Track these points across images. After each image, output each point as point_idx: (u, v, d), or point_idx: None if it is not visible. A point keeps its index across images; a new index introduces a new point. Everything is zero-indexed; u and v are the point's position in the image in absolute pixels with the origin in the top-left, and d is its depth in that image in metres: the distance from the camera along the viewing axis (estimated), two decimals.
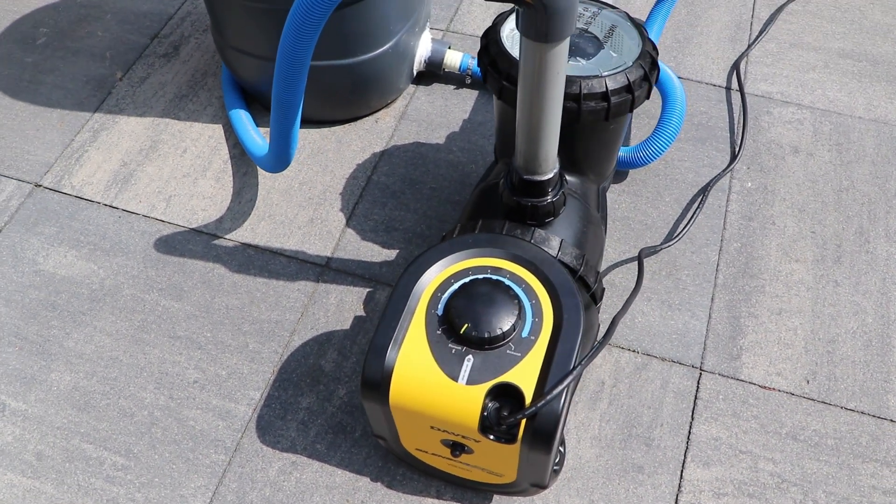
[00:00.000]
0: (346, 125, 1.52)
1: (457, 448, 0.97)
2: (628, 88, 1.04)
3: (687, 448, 1.16)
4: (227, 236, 1.38)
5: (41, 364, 1.26)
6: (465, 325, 0.91)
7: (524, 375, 0.90)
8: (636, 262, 1.29)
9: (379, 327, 0.94)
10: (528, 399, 0.89)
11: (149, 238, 1.38)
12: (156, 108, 1.56)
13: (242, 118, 1.45)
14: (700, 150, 1.47)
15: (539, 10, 0.80)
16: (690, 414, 1.19)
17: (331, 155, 1.48)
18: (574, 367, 0.89)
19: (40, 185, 1.46)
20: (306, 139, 1.50)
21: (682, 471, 1.14)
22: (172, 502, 1.13)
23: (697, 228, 1.37)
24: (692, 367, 1.23)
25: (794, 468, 1.14)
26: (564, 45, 0.85)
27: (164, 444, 1.18)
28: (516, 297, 0.93)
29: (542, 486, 1.03)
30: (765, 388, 1.21)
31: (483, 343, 0.91)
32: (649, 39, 1.10)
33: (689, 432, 1.18)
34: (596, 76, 1.03)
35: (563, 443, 1.14)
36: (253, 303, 1.31)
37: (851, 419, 1.19)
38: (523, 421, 0.89)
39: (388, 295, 1.29)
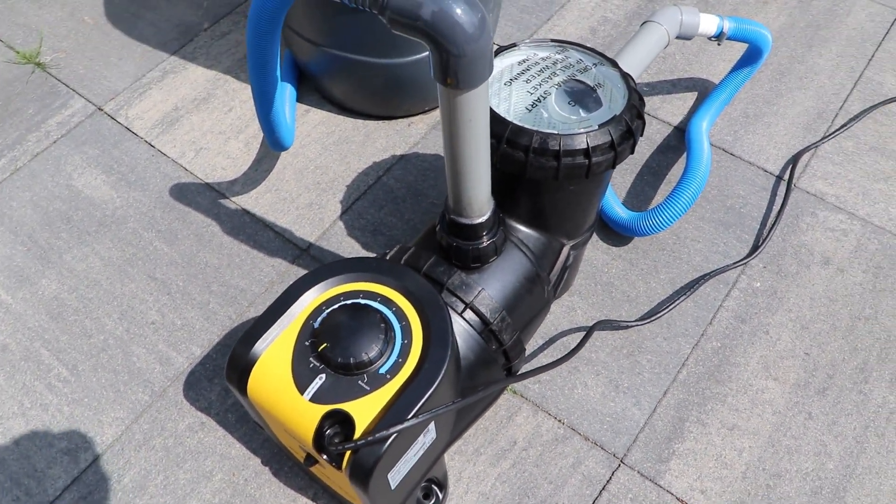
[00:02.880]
0: (380, 122, 1.54)
1: (309, 458, 0.98)
2: (586, 153, 0.99)
3: None
4: (233, 198, 1.45)
5: (38, 268, 1.38)
6: (325, 345, 0.91)
7: (365, 410, 0.89)
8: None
9: (258, 319, 0.97)
10: (358, 433, 0.88)
11: (168, 181, 1.47)
12: (224, 63, 1.65)
13: (284, 94, 1.50)
14: (721, 234, 1.37)
15: (446, 55, 0.78)
16: (591, 503, 1.13)
17: (354, 147, 1.50)
18: (408, 419, 0.87)
19: (102, 110, 1.59)
20: (338, 126, 1.53)
21: None
22: (90, 424, 1.22)
23: (681, 316, 1.29)
24: (613, 455, 1.17)
25: None
26: (479, 93, 0.83)
27: (105, 370, 1.27)
28: (388, 331, 0.92)
29: None
30: (681, 501, 1.13)
31: (337, 367, 0.91)
32: (634, 106, 1.04)
33: None
34: (553, 133, 0.99)
35: (444, 487, 1.12)
36: (230, 266, 1.36)
37: None
38: (349, 452, 0.88)
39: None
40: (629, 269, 1.34)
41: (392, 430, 0.86)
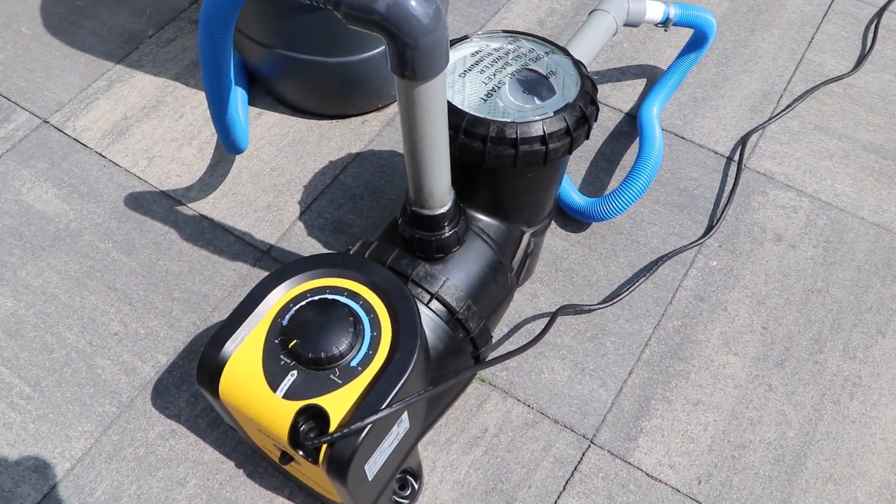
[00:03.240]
0: (334, 121, 1.54)
1: (285, 456, 0.98)
2: (542, 140, 1.01)
3: None
4: (189, 205, 1.43)
5: None
6: (295, 341, 0.91)
7: (338, 403, 0.90)
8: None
9: (226, 320, 0.96)
10: (333, 426, 0.89)
11: (122, 191, 1.46)
12: (171, 70, 1.63)
13: (235, 98, 1.49)
14: (675, 216, 1.40)
15: (402, 47, 0.79)
16: (563, 484, 1.15)
17: (309, 147, 1.50)
18: (381, 409, 0.88)
19: (48, 122, 1.56)
20: (292, 128, 1.53)
21: None
22: (58, 440, 1.20)
23: (641, 297, 1.31)
24: (583, 437, 1.19)
25: None
26: (435, 84, 0.84)
27: (70, 384, 1.25)
28: (357, 325, 0.93)
29: None
30: (651, 477, 1.16)
31: (308, 362, 0.91)
32: (587, 93, 1.06)
33: (556, 502, 1.13)
34: (510, 121, 1.00)
35: (418, 477, 1.13)
36: (191, 272, 1.35)
37: None
38: (325, 446, 0.89)
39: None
40: (588, 254, 1.36)
41: (367, 420, 0.87)
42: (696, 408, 1.21)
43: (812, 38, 1.68)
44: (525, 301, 1.30)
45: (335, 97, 1.49)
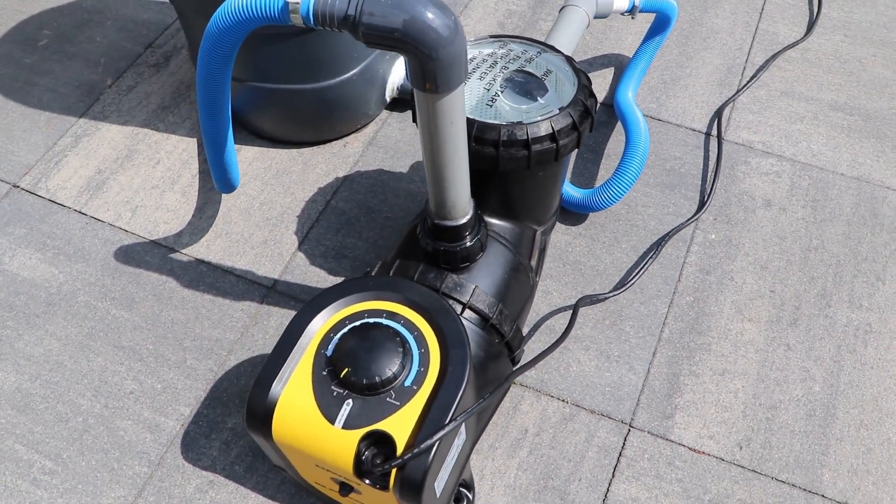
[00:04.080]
0: (315, 147, 1.53)
1: (345, 488, 0.97)
2: (552, 137, 1.02)
3: None
4: (183, 251, 1.41)
5: None
6: (346, 370, 0.91)
7: (400, 425, 0.89)
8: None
9: (268, 361, 0.95)
10: (400, 449, 0.88)
11: (110, 246, 1.42)
12: (138, 117, 1.60)
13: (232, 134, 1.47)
14: (668, 196, 1.43)
15: (424, 61, 0.79)
16: (612, 471, 1.16)
17: (294, 177, 1.49)
18: (448, 423, 0.88)
19: (18, 186, 1.51)
20: (274, 159, 1.52)
21: None
22: None
23: (650, 279, 1.34)
24: (621, 422, 1.20)
25: None
26: (456, 95, 0.84)
27: (93, 451, 1.21)
28: (404, 344, 0.92)
29: None
30: (694, 450, 1.18)
31: (362, 388, 0.90)
32: (585, 86, 1.08)
33: (608, 490, 1.15)
34: (518, 123, 1.01)
35: (471, 488, 1.13)
36: (197, 319, 1.33)
37: (781, 491, 1.14)
38: (394, 470, 0.88)
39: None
40: (592, 244, 1.38)
41: (435, 437, 0.87)
42: (723, 377, 1.24)
43: (762, 9, 1.74)
44: (539, 299, 1.32)
45: (314, 123, 1.48)
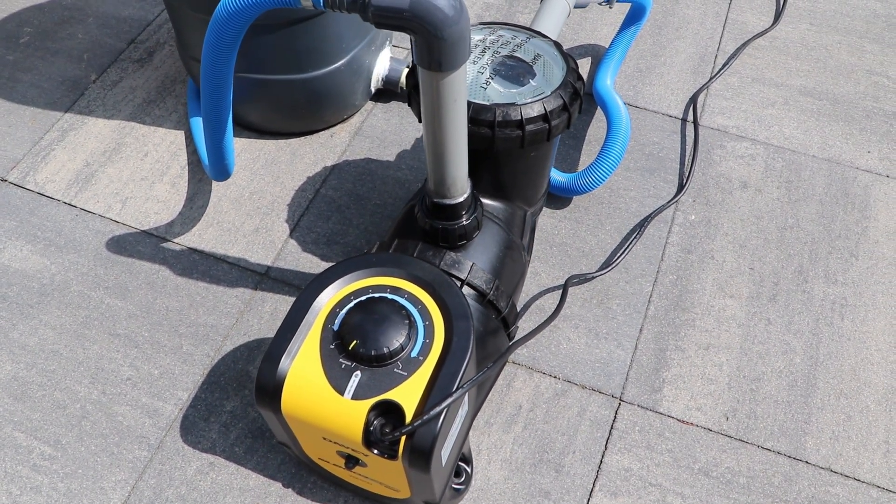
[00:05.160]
0: (302, 138, 1.55)
1: (351, 460, 0.99)
2: (545, 118, 1.06)
3: (596, 477, 1.17)
4: (175, 240, 1.42)
5: None
6: (355, 342, 0.93)
7: (408, 394, 0.92)
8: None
9: (276, 337, 0.97)
10: (409, 417, 0.91)
11: (101, 237, 1.43)
12: (124, 111, 1.61)
13: (201, 127, 1.49)
14: (648, 180, 1.48)
15: (431, 40, 0.82)
16: (604, 443, 1.20)
17: (283, 167, 1.51)
18: (455, 390, 0.91)
19: (5, 181, 1.51)
20: (262, 150, 1.54)
21: (588, 499, 1.15)
22: (93, 494, 1.17)
23: (634, 259, 1.38)
24: (612, 396, 1.24)
25: None
26: (460, 74, 0.87)
27: (92, 437, 1.22)
28: (409, 317, 0.95)
29: None
30: (683, 422, 1.22)
31: (371, 360, 0.93)
32: (574, 70, 1.12)
33: (601, 462, 1.19)
34: (512, 104, 1.05)
35: (469, 462, 1.16)
36: (192, 306, 1.34)
37: (767, 458, 1.19)
38: (403, 438, 0.91)
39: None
40: (577, 227, 1.42)
41: (443, 403, 0.90)
42: (707, 351, 1.29)
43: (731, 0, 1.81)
44: (529, 280, 1.35)
45: (301, 114, 1.51)
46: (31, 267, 1.39)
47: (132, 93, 1.64)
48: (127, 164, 1.53)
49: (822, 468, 1.18)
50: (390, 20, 0.81)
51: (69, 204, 1.47)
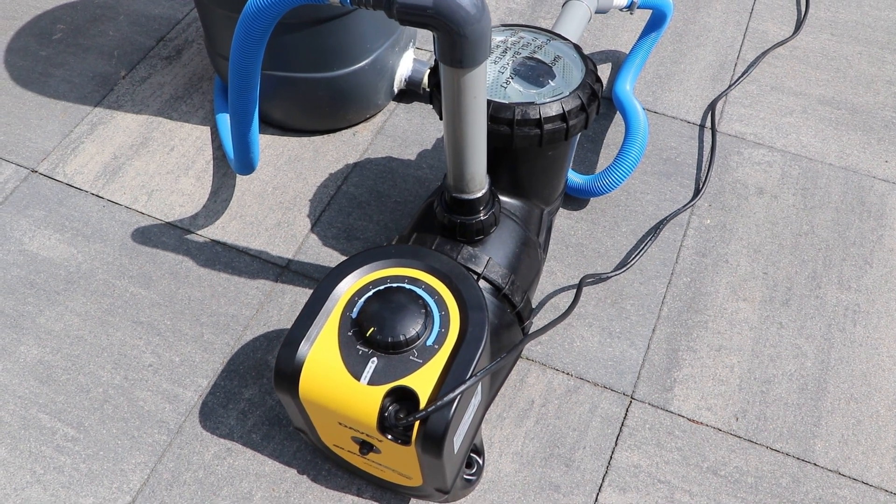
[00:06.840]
0: (326, 136, 1.58)
1: (365, 446, 1.02)
2: (563, 117, 1.08)
3: (606, 473, 1.19)
4: (199, 232, 1.45)
5: (12, 337, 1.34)
6: (372, 329, 0.96)
7: (423, 381, 0.94)
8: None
9: (295, 323, 1.00)
10: (423, 403, 0.93)
11: (127, 228, 1.46)
12: (152, 106, 1.65)
13: (227, 122, 1.52)
14: (665, 184, 1.50)
15: (453, 37, 0.85)
16: (615, 440, 1.22)
17: (306, 163, 1.54)
18: (469, 378, 0.93)
19: (36, 171, 1.55)
20: (286, 146, 1.57)
21: (597, 494, 1.17)
22: (113, 475, 1.20)
23: (649, 260, 1.40)
24: (623, 394, 1.26)
25: (709, 502, 1.16)
26: (480, 71, 0.90)
27: (114, 420, 1.25)
28: (426, 306, 0.98)
29: (444, 492, 1.07)
30: (693, 421, 1.23)
31: (387, 347, 0.95)
32: (592, 71, 1.14)
33: (611, 458, 1.20)
34: (531, 103, 1.07)
35: (481, 454, 1.18)
36: (213, 296, 1.37)
37: (775, 459, 1.20)
38: (417, 424, 0.93)
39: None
40: (593, 228, 1.44)
41: (457, 390, 0.92)
42: (719, 353, 1.30)
43: (752, 9, 1.82)
44: (544, 278, 1.37)
45: (325, 112, 1.54)
46: (58, 255, 1.43)
47: (160, 89, 1.68)
48: (153, 158, 1.56)
49: (830, 471, 1.19)
50: (414, 17, 0.84)
51: (97, 195, 1.51)
